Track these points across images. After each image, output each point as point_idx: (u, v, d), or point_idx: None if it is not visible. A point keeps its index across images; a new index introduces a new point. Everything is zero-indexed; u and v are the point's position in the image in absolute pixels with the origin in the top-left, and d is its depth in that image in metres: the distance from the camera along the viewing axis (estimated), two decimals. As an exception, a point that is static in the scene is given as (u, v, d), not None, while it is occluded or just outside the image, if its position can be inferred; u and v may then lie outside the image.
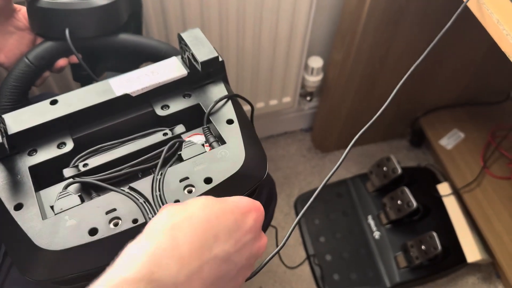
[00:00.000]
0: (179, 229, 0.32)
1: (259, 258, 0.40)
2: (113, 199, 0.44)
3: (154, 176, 0.46)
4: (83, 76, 0.72)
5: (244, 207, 0.37)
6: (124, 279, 0.29)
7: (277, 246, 1.01)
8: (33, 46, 0.65)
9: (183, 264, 0.31)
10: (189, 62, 0.53)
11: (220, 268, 0.33)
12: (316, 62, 1.16)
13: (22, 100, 0.64)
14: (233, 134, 0.50)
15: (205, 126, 0.51)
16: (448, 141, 1.28)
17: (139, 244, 0.32)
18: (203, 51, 0.51)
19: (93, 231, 0.41)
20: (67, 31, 0.62)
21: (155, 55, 0.67)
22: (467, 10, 0.63)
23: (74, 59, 0.66)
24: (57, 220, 0.42)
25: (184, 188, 0.44)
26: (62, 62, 0.66)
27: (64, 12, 0.61)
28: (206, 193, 0.44)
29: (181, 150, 0.49)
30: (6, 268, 0.58)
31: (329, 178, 0.51)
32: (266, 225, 0.72)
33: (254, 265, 0.39)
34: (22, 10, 0.66)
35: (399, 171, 1.19)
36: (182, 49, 0.54)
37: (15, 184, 0.46)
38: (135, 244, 0.32)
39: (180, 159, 0.48)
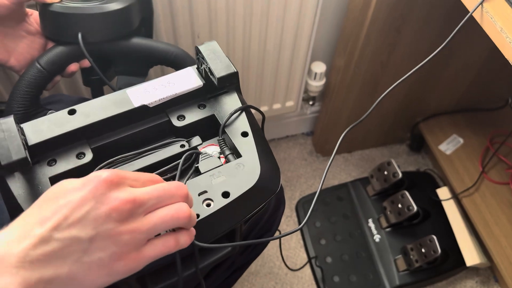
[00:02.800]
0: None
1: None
2: None
3: None
4: (94, 81, 0.73)
5: (69, 185, 0.36)
6: None
7: (280, 247, 1.03)
8: (45, 51, 0.65)
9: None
10: (205, 74, 0.54)
11: (45, 249, 0.32)
12: (319, 67, 1.18)
13: (34, 104, 0.64)
14: (248, 148, 0.51)
15: (220, 138, 0.52)
16: (447, 146, 1.30)
17: None
18: (220, 66, 0.52)
19: None
20: (80, 36, 0.62)
21: (166, 59, 0.68)
22: (469, 18, 0.65)
23: (85, 63, 0.67)
24: None
25: (203, 202, 0.45)
26: (73, 67, 0.66)
27: (77, 16, 0.62)
28: (224, 207, 0.45)
29: (198, 162, 0.50)
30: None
31: (324, 178, 0.52)
32: (274, 229, 0.74)
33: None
34: (34, 15, 0.67)
35: (400, 175, 1.20)
36: (199, 61, 0.55)
37: (36, 196, 0.46)
38: None
39: (197, 171, 0.49)
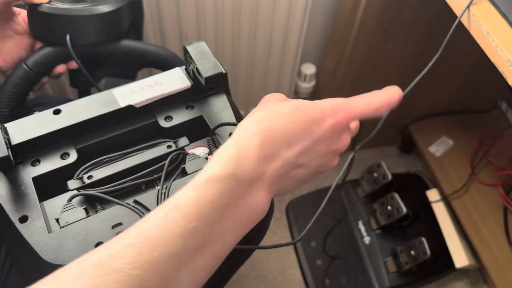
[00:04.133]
0: (260, 136, 0.36)
1: (328, 169, 0.42)
2: (118, 212, 0.44)
3: (159, 190, 0.46)
4: (81, 82, 0.72)
5: (318, 115, 0.38)
6: (210, 177, 0.33)
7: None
8: (32, 52, 0.64)
9: (259, 165, 0.35)
10: (193, 74, 0.54)
11: (285, 170, 0.37)
12: (309, 69, 1.18)
13: (20, 106, 0.63)
14: None
15: (210, 138, 0.52)
16: (437, 148, 1.30)
17: (226, 148, 0.36)
18: (208, 66, 0.52)
19: (99, 245, 0.42)
20: (68, 37, 0.62)
21: (155, 61, 0.67)
22: (458, 22, 0.65)
23: (72, 65, 0.66)
24: (63, 234, 0.42)
25: None
26: (60, 68, 0.65)
27: (65, 18, 0.61)
28: None
29: (184, 163, 0.49)
30: (6, 271, 0.57)
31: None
32: (262, 234, 0.73)
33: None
34: (22, 14, 0.66)
35: (389, 177, 1.20)
36: (187, 61, 0.54)
37: (19, 196, 0.46)
38: (223, 148, 0.36)
39: (184, 172, 0.49)
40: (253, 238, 0.71)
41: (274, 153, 0.36)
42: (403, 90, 0.49)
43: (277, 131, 0.36)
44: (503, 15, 0.62)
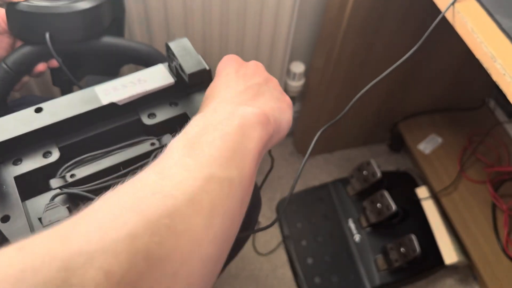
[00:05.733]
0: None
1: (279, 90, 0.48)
2: None
3: None
4: (63, 81, 0.71)
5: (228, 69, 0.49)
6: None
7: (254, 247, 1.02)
8: (12, 51, 0.63)
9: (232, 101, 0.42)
10: (176, 71, 0.54)
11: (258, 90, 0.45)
12: (298, 67, 1.18)
13: (1, 106, 0.63)
14: None
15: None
16: (426, 146, 1.31)
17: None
18: (191, 63, 0.51)
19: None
20: (47, 35, 0.61)
21: (137, 58, 0.66)
22: (444, 19, 0.65)
23: (53, 63, 0.65)
24: None
25: None
26: (41, 67, 0.64)
27: (44, 16, 0.60)
28: None
29: (168, 160, 0.49)
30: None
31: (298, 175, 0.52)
32: (250, 229, 0.73)
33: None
34: (0, 13, 0.65)
35: (379, 175, 1.21)
36: (170, 58, 0.54)
37: (0, 195, 0.45)
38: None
39: (167, 169, 0.48)
40: (239, 233, 0.70)
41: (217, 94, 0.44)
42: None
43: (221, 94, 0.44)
44: (488, 12, 0.62)
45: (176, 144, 0.36)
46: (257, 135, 0.38)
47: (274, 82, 0.48)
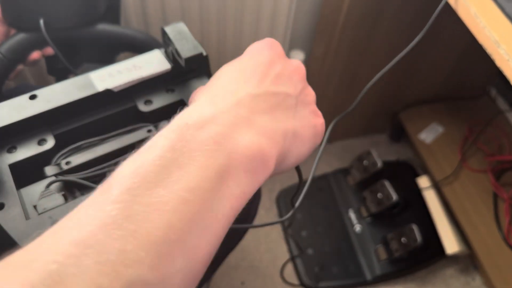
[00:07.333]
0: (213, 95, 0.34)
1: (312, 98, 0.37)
2: None
3: None
4: (59, 69, 0.70)
5: (264, 61, 0.35)
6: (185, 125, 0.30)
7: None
8: (6, 39, 0.62)
9: (220, 102, 0.32)
10: (173, 56, 0.53)
11: (264, 99, 0.33)
12: (298, 55, 1.16)
13: None
14: None
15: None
16: (427, 135, 1.30)
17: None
18: (187, 47, 0.50)
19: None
20: (41, 22, 0.60)
21: (133, 45, 0.66)
22: (446, 5, 0.64)
23: (48, 51, 0.64)
24: (41, 221, 0.41)
25: None
26: (35, 55, 0.63)
27: (37, 2, 0.59)
28: None
29: (165, 147, 0.48)
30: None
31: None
32: (250, 221, 0.72)
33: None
34: None
35: (379, 165, 1.20)
36: (166, 43, 0.53)
37: (-5, 183, 0.44)
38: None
39: (164, 156, 0.48)
40: (240, 223, 0.70)
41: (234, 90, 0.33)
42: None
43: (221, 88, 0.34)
44: (490, -5, 0.61)
45: (114, 192, 0.25)
46: (237, 192, 0.27)
47: (311, 97, 0.36)
